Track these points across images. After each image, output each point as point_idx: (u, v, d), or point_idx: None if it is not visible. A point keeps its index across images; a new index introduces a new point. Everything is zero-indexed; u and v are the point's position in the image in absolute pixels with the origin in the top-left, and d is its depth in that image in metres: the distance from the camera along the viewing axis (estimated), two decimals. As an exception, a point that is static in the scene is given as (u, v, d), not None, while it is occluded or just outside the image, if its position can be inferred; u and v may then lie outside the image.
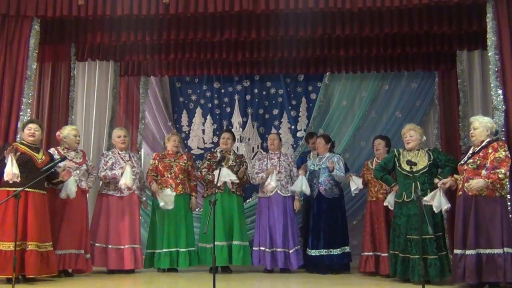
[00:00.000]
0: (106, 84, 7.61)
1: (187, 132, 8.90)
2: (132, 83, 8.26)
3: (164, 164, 6.43)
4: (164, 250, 6.26)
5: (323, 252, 6.25)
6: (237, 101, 8.82)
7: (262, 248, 6.35)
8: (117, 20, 6.21)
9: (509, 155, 4.89)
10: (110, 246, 6.11)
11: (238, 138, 8.67)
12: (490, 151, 4.93)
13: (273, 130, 8.52)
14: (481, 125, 5.09)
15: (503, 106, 5.34)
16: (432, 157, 5.50)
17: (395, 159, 5.64)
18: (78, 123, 7.03)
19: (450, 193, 5.44)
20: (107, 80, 7.62)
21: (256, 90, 8.82)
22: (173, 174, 6.40)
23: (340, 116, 8.51)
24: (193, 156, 8.70)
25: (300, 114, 8.72)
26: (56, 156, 5.63)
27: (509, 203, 5.10)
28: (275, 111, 8.78)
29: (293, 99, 8.76)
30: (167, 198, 6.14)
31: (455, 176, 5.24)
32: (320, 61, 7.52)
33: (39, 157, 5.38)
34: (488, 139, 5.05)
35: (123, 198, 6.20)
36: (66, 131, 5.94)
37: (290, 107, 8.73)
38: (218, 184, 5.77)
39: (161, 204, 6.14)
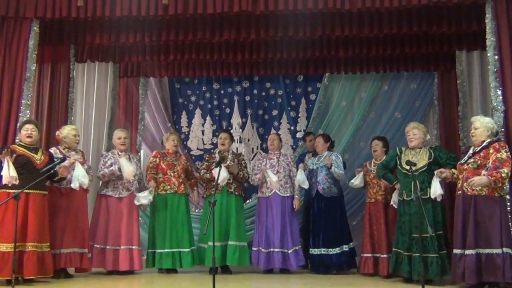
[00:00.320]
0: (106, 85, 7.61)
1: (186, 133, 8.90)
2: (132, 84, 8.26)
3: (167, 163, 6.44)
4: (166, 250, 6.25)
5: (322, 251, 6.26)
6: (237, 102, 8.82)
7: (260, 249, 6.35)
8: (116, 21, 6.21)
9: (510, 156, 4.89)
10: (108, 247, 6.10)
11: (237, 139, 8.68)
12: (491, 151, 4.93)
13: (273, 131, 8.52)
14: (482, 125, 5.10)
15: (503, 107, 5.34)
16: (433, 156, 5.49)
17: (397, 157, 5.66)
18: (78, 124, 7.01)
19: (450, 194, 5.44)
20: (106, 81, 7.62)
21: (255, 91, 8.82)
22: (176, 173, 6.42)
23: (339, 117, 8.51)
24: (192, 157, 8.74)
25: (299, 115, 8.72)
26: (57, 156, 5.62)
27: (508, 203, 5.10)
28: (275, 112, 8.78)
29: (293, 100, 8.76)
30: (145, 199, 6.14)
31: (453, 170, 5.25)
32: (319, 61, 7.52)
33: (38, 157, 5.38)
34: (488, 140, 5.05)
35: (122, 199, 6.19)
36: (66, 131, 5.94)
37: (289, 108, 8.73)
38: (219, 182, 5.77)
39: (140, 194, 6.15)
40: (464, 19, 6.00)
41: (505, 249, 4.79)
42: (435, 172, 5.24)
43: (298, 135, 8.62)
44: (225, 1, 5.65)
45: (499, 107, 5.36)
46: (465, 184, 4.98)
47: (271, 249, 6.31)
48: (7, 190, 5.10)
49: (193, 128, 8.90)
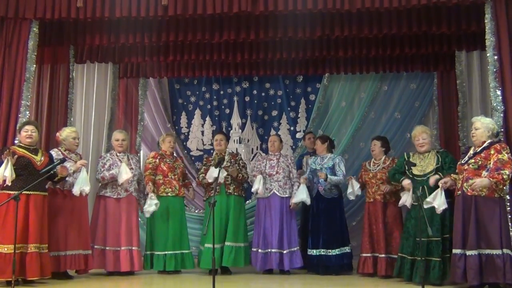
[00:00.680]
0: (105, 86, 7.61)
1: (186, 133, 8.90)
2: (131, 85, 8.26)
3: (168, 165, 6.44)
4: (169, 252, 6.25)
5: (322, 252, 6.25)
6: (236, 103, 8.82)
7: (258, 249, 6.35)
8: (116, 22, 6.21)
9: (511, 157, 4.89)
10: (107, 248, 6.10)
11: (237, 140, 8.68)
12: (492, 152, 4.93)
13: (272, 132, 8.53)
14: (482, 126, 5.09)
15: (502, 107, 5.34)
16: (440, 161, 5.51)
17: (405, 162, 5.66)
18: (77, 125, 7.01)
19: (450, 193, 5.43)
20: (106, 82, 7.62)
21: (255, 92, 8.83)
22: (176, 176, 6.44)
23: (339, 117, 8.51)
24: (192, 157, 8.75)
25: (299, 115, 8.72)
26: (58, 158, 5.62)
27: (507, 204, 5.09)
28: (274, 113, 8.78)
29: (292, 100, 8.76)
30: (152, 207, 6.10)
31: (453, 175, 5.25)
32: (319, 62, 7.51)
33: (38, 158, 5.38)
34: (489, 140, 5.05)
35: (121, 200, 6.18)
36: (65, 133, 5.93)
37: (289, 108, 8.73)
38: (210, 180, 5.76)
39: (145, 207, 6.11)
40: (463, 19, 5.99)
41: (505, 250, 4.79)
42: (440, 184, 5.22)
43: (298, 135, 8.63)
44: (225, 1, 5.64)
45: (498, 107, 5.35)
46: (465, 184, 4.97)
47: (269, 250, 6.31)
48: (8, 192, 5.10)
49: (193, 128, 8.91)
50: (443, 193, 5.14)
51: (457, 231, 5.03)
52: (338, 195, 6.50)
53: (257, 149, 8.72)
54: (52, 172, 5.26)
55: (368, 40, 6.67)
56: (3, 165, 5.05)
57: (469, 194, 4.94)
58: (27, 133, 5.38)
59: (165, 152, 6.55)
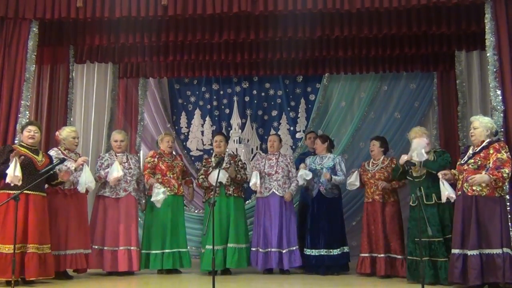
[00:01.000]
0: (105, 86, 7.60)
1: (186, 133, 8.90)
2: (131, 85, 8.26)
3: (167, 164, 6.43)
4: (167, 250, 6.25)
5: (323, 252, 6.25)
6: (236, 103, 8.83)
7: (258, 249, 6.35)
8: (116, 22, 6.21)
9: (510, 156, 4.88)
10: (105, 248, 6.10)
11: (237, 140, 8.68)
12: (491, 151, 4.92)
13: (272, 132, 8.53)
14: (481, 125, 5.09)
15: (502, 107, 5.34)
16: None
17: (404, 163, 5.65)
18: (77, 125, 7.00)
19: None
20: (105, 82, 7.61)
21: (255, 92, 8.83)
22: (175, 175, 6.43)
23: (339, 117, 8.52)
24: (192, 157, 8.74)
25: (299, 115, 8.73)
26: (58, 157, 5.62)
27: (508, 203, 5.09)
28: (274, 113, 8.78)
29: (292, 100, 8.77)
30: (160, 196, 6.09)
31: (453, 171, 5.26)
32: (318, 62, 7.52)
33: (39, 159, 5.38)
34: (488, 140, 5.04)
35: (120, 200, 6.18)
36: (65, 133, 5.93)
37: (289, 108, 8.73)
38: (220, 180, 5.80)
39: (153, 198, 6.09)
40: (463, 19, 6.00)
41: (505, 249, 4.79)
42: (439, 174, 5.22)
43: (298, 135, 8.63)
44: (224, 1, 5.64)
45: (498, 107, 5.35)
46: (465, 184, 4.97)
47: (269, 249, 6.31)
48: (8, 191, 5.10)
49: (193, 128, 8.91)
50: (446, 183, 5.13)
51: (456, 231, 5.02)
52: (338, 195, 6.52)
53: (257, 149, 8.72)
54: (52, 172, 5.26)
55: (368, 40, 6.67)
56: (12, 165, 5.04)
57: (469, 194, 4.94)
58: (29, 133, 5.38)
59: (164, 152, 6.55)
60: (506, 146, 4.99)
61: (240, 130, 8.75)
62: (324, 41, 6.74)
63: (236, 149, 8.47)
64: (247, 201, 8.17)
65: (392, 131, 8.22)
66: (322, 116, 8.57)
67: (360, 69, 7.58)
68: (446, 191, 5.08)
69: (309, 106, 8.69)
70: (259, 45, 6.89)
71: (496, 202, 4.89)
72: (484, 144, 5.03)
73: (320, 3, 5.58)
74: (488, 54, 5.50)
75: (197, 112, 8.93)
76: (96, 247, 6.10)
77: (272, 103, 8.80)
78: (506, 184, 4.94)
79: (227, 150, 6.75)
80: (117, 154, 6.35)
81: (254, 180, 6.33)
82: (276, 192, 6.41)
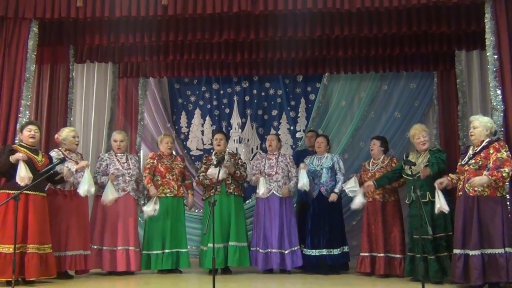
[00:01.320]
0: (105, 86, 7.60)
1: (186, 133, 8.90)
2: (131, 85, 8.26)
3: (166, 166, 6.42)
4: (166, 251, 6.25)
5: (324, 252, 6.25)
6: (236, 102, 8.83)
7: (257, 249, 6.35)
8: (116, 22, 6.20)
9: (510, 155, 4.88)
10: (104, 248, 6.11)
11: (237, 139, 8.69)
12: (491, 151, 4.92)
13: (272, 131, 8.54)
14: (481, 125, 5.09)
15: (502, 106, 5.34)
16: (430, 159, 5.53)
17: (403, 162, 5.67)
18: (77, 125, 7.01)
19: (448, 192, 5.44)
20: (105, 82, 7.61)
21: (255, 91, 8.83)
22: (174, 176, 6.42)
23: (339, 117, 8.51)
24: (192, 157, 8.74)
25: (299, 115, 8.73)
26: (57, 157, 5.62)
27: (508, 203, 5.09)
28: (274, 112, 8.78)
29: (292, 99, 8.77)
30: (152, 211, 6.10)
31: (451, 175, 5.26)
32: (318, 61, 7.51)
33: (39, 159, 5.39)
34: (488, 139, 5.04)
35: (118, 200, 6.17)
36: (65, 133, 5.94)
37: (289, 108, 8.73)
38: (220, 178, 5.79)
39: (148, 209, 6.10)
40: (463, 19, 5.99)
41: (507, 249, 4.78)
42: (435, 184, 5.22)
43: (298, 135, 8.63)
44: (224, 1, 5.64)
45: (498, 107, 5.35)
46: (466, 185, 4.97)
47: (269, 250, 6.31)
48: (8, 191, 5.10)
49: (193, 128, 8.91)
50: (441, 194, 5.15)
51: (458, 231, 5.02)
52: (339, 195, 6.51)
53: (257, 149, 8.72)
54: (52, 172, 5.26)
55: (368, 40, 6.66)
56: (21, 167, 5.06)
57: (471, 195, 4.94)
58: (30, 133, 5.39)
59: (163, 153, 6.54)
60: (506, 146, 4.98)
61: (240, 130, 8.75)
62: (324, 40, 6.74)
63: (236, 148, 8.47)
64: (247, 201, 8.18)
65: (392, 131, 8.21)
66: (322, 115, 8.57)
67: (360, 69, 7.57)
68: (439, 204, 5.11)
69: (309, 105, 8.69)
70: (259, 45, 6.89)
71: (498, 202, 4.89)
72: (484, 144, 5.02)
73: (320, 2, 5.58)
74: (488, 54, 5.50)
75: (197, 112, 8.93)
76: (95, 247, 6.10)
77: (272, 102, 8.80)
78: (506, 183, 4.94)
79: (227, 149, 6.74)
80: (117, 154, 6.35)
81: (263, 190, 6.29)
82: (276, 193, 6.41)
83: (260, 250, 6.32)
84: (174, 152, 6.91)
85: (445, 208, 5.10)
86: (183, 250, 6.33)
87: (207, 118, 8.90)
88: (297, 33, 6.20)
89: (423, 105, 8.31)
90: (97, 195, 6.22)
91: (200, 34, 6.22)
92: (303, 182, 6.25)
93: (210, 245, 6.01)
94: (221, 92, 8.90)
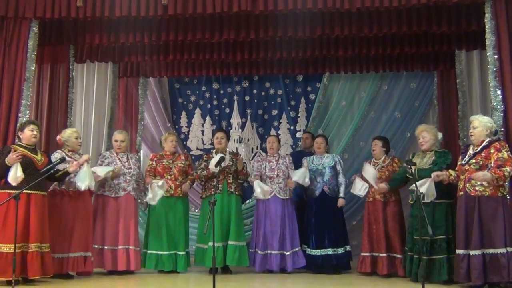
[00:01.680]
0: (105, 86, 7.60)
1: (186, 133, 8.90)
2: (131, 84, 8.25)
3: (163, 166, 6.42)
4: (166, 252, 6.25)
5: (330, 251, 6.25)
6: (236, 102, 8.83)
7: (256, 250, 6.35)
8: (116, 21, 6.20)
9: (511, 155, 4.89)
10: (105, 247, 6.11)
11: (237, 139, 8.69)
12: (492, 151, 4.93)
13: (272, 131, 8.55)
14: (480, 125, 5.09)
15: (502, 106, 5.34)
16: (434, 160, 5.52)
17: (405, 161, 5.66)
18: (77, 125, 7.02)
19: (448, 191, 5.44)
20: (106, 82, 7.61)
21: (255, 91, 8.83)
22: (172, 176, 6.41)
23: (339, 117, 8.52)
24: (192, 157, 8.73)
25: (299, 115, 8.73)
26: (56, 156, 5.62)
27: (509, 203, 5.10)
28: (274, 112, 8.78)
29: (292, 99, 8.77)
30: (155, 192, 6.10)
31: (450, 171, 5.26)
32: (319, 61, 7.51)
33: (39, 158, 5.39)
34: (488, 139, 5.04)
35: (119, 199, 6.18)
36: (67, 134, 5.94)
37: (289, 108, 8.73)
38: (223, 164, 5.81)
39: (149, 196, 6.12)
40: (463, 19, 5.99)
41: (509, 249, 4.78)
42: (432, 175, 5.25)
43: (298, 135, 8.63)
44: (225, 0, 5.64)
45: (498, 107, 5.35)
46: (467, 185, 4.97)
47: (268, 251, 6.31)
48: (8, 191, 5.10)
49: (193, 128, 8.92)
50: (432, 183, 5.18)
51: (460, 231, 5.02)
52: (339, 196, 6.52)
53: (257, 149, 8.72)
54: (52, 171, 5.26)
55: (368, 40, 6.66)
56: (14, 168, 5.08)
57: (472, 194, 4.94)
58: (32, 133, 5.38)
59: (166, 152, 6.54)
60: (507, 145, 4.99)
61: (240, 130, 8.75)
62: (324, 40, 6.74)
63: (236, 148, 8.47)
64: (247, 201, 8.19)
65: (392, 131, 8.22)
66: (322, 115, 8.57)
67: (360, 69, 7.57)
68: (431, 192, 5.17)
69: (309, 105, 8.69)
70: (259, 45, 6.89)
71: (499, 202, 4.89)
72: (484, 143, 5.03)
73: (320, 2, 5.58)
74: (488, 54, 5.50)
75: (197, 112, 8.93)
76: (96, 246, 6.10)
77: (272, 102, 8.80)
78: (506, 182, 4.94)
79: (228, 148, 6.74)
80: (118, 154, 6.35)
81: (259, 190, 6.31)
82: (278, 195, 6.41)
83: (259, 252, 6.32)
84: (179, 150, 6.88)
85: (429, 199, 5.15)
86: (181, 252, 6.30)
87: (207, 117, 8.90)
88: (297, 33, 6.20)
89: (423, 105, 8.32)
90: (97, 194, 6.23)
91: (200, 34, 6.22)
92: (298, 175, 6.27)
93: (211, 243, 6.02)
94: (221, 91, 8.90)
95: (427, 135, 5.64)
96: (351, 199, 7.83)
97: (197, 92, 8.96)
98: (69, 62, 6.81)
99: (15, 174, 5.05)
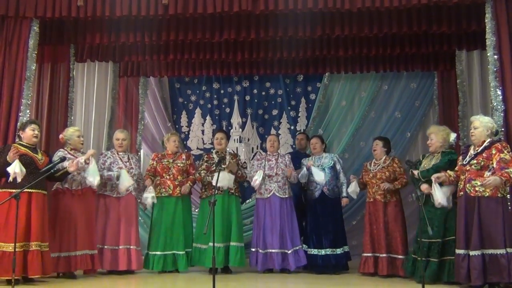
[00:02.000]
0: (105, 85, 7.61)
1: (186, 132, 8.91)
2: (132, 84, 8.26)
3: (162, 166, 6.42)
4: (166, 252, 6.26)
5: (329, 251, 6.26)
6: (237, 102, 8.83)
7: (258, 249, 6.35)
8: (116, 21, 6.21)
9: None
10: (106, 247, 6.10)
11: (237, 139, 8.69)
12: (494, 152, 4.91)
13: (273, 131, 8.55)
14: (481, 125, 5.08)
15: (502, 106, 5.34)
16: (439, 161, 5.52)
17: (406, 162, 5.66)
18: (78, 124, 7.02)
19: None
20: (106, 81, 7.62)
21: (255, 91, 8.84)
22: (171, 176, 6.40)
23: (339, 117, 8.52)
24: (192, 156, 8.72)
25: (299, 115, 8.73)
26: (58, 157, 5.63)
27: (509, 203, 5.09)
28: (275, 112, 8.79)
29: (293, 99, 8.77)
30: (147, 198, 6.16)
31: (449, 172, 5.25)
32: (319, 61, 7.52)
33: (39, 157, 5.40)
34: (489, 139, 5.03)
35: (120, 199, 6.18)
36: (69, 133, 5.94)
37: (289, 108, 8.74)
38: (218, 185, 5.76)
39: (144, 195, 6.18)
40: (464, 19, 6.00)
41: (509, 249, 4.78)
42: (432, 178, 5.24)
43: (298, 134, 8.63)
44: (225, 0, 5.65)
45: (499, 107, 5.35)
46: (467, 185, 4.96)
47: (269, 250, 6.30)
48: (10, 190, 5.10)
49: (193, 127, 8.92)
50: (438, 186, 5.17)
51: (460, 231, 5.01)
52: (339, 195, 6.52)
53: (257, 148, 8.73)
54: (52, 171, 5.27)
55: (368, 40, 6.67)
56: (14, 164, 5.07)
57: (472, 195, 4.93)
58: (34, 132, 5.39)
59: (167, 152, 6.54)
60: (508, 146, 4.98)
61: (240, 129, 8.76)
62: (324, 40, 6.74)
63: (237, 148, 8.48)
64: (247, 200, 8.19)
65: (393, 131, 8.22)
66: (322, 115, 8.57)
67: (360, 69, 7.58)
68: (437, 197, 5.12)
69: (310, 105, 8.70)
70: (260, 44, 6.89)
71: (499, 203, 4.88)
72: (485, 144, 5.02)
73: (321, 2, 5.58)
74: (488, 54, 5.50)
75: (198, 111, 8.94)
76: (97, 245, 6.09)
77: (273, 102, 8.81)
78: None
79: (228, 148, 6.74)
80: (119, 153, 6.35)
81: (256, 177, 6.32)
82: (277, 194, 6.41)
83: (260, 251, 6.33)
84: (180, 150, 6.89)
85: (443, 203, 5.10)
86: (180, 252, 6.28)
87: (208, 117, 8.90)
88: (298, 33, 6.21)
89: (424, 105, 8.32)
90: (99, 193, 6.23)
91: (201, 34, 6.23)
92: (321, 177, 6.27)
93: (211, 244, 6.02)
94: (222, 91, 8.91)
95: (434, 137, 5.61)
96: (351, 199, 7.81)
97: (198, 91, 8.97)
98: (70, 62, 6.82)
99: (13, 170, 5.03)
